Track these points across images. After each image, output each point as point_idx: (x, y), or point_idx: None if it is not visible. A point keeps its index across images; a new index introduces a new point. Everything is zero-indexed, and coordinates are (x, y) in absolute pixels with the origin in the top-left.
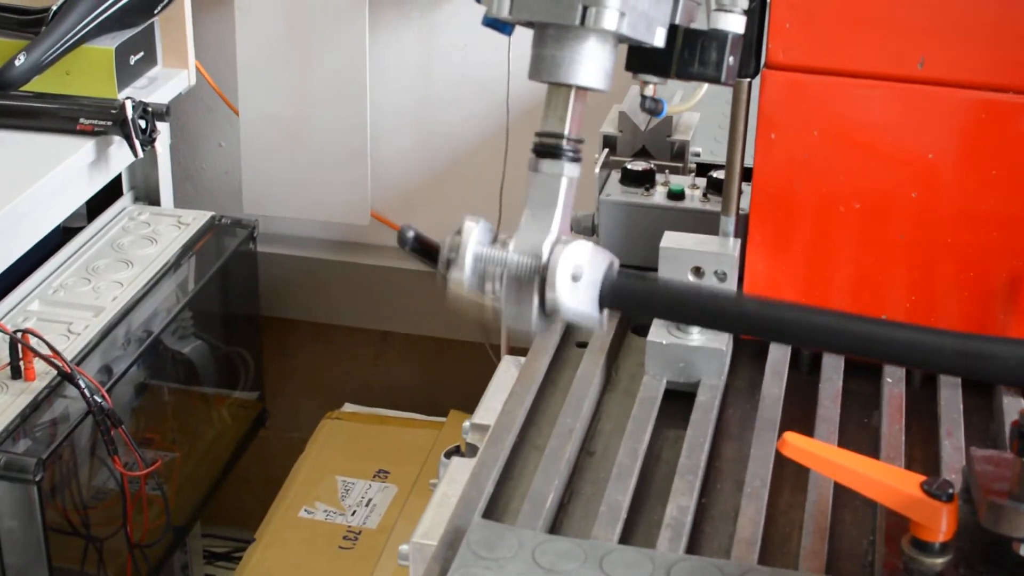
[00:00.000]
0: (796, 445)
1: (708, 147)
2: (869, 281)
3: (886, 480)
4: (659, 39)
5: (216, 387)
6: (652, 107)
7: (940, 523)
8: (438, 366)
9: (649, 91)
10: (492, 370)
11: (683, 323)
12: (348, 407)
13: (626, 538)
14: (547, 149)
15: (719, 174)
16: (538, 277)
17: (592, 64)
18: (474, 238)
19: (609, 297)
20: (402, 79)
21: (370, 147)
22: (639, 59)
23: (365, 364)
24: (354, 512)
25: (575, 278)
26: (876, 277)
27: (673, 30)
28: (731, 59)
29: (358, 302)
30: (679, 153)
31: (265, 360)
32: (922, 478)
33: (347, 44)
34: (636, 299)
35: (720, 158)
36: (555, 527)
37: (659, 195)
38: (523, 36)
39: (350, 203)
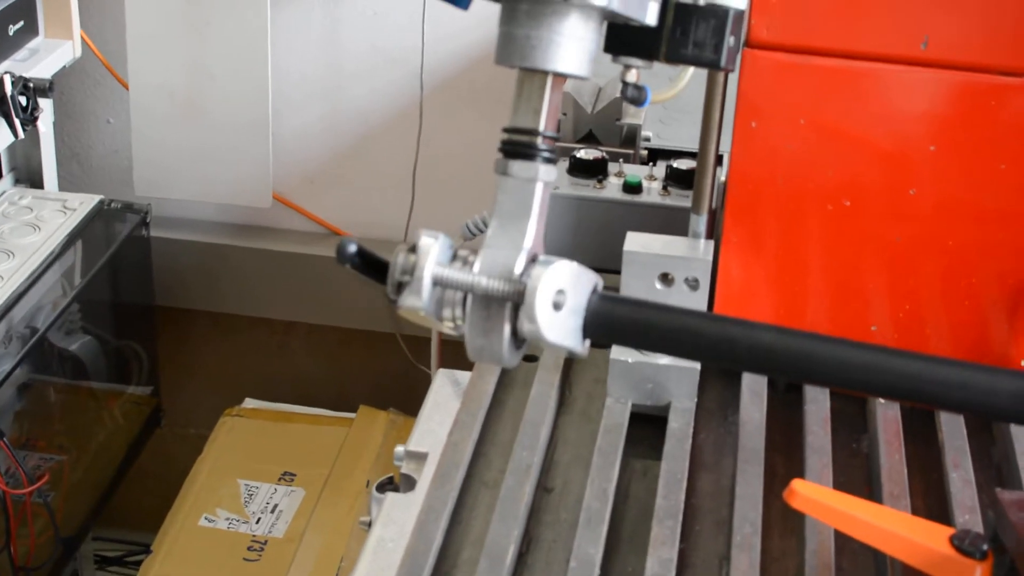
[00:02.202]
0: (806, 496)
1: (655, 130)
2: (858, 289)
3: (909, 535)
4: (651, 16)
5: (107, 384)
6: (635, 95)
7: None
8: (346, 358)
9: (632, 77)
10: (404, 362)
11: (684, 357)
12: (249, 403)
13: None
14: (518, 148)
15: (679, 163)
16: (510, 305)
17: (573, 46)
18: (432, 258)
19: (595, 328)
20: (307, 49)
21: (272, 123)
22: (621, 39)
23: (268, 356)
24: (259, 519)
25: (557, 306)
26: (866, 284)
27: (663, 5)
28: (732, 40)
29: (260, 290)
30: (629, 138)
31: (160, 354)
32: (949, 531)
33: (246, 10)
34: (629, 330)
35: (671, 142)
36: None
37: (613, 187)
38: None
39: (250, 184)
